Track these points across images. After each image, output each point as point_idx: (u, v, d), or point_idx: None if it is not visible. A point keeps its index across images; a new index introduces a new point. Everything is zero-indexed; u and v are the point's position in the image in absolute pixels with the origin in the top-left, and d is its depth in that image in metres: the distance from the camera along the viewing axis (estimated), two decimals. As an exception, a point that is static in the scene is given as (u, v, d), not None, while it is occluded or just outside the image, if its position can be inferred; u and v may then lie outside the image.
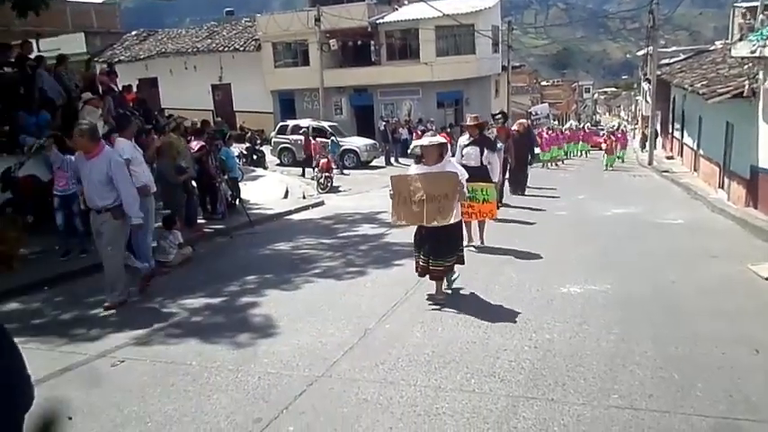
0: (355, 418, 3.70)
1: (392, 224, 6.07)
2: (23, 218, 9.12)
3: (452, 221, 5.63)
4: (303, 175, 19.07)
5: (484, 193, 8.00)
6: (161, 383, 4.29)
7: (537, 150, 20.85)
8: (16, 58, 11.68)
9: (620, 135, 27.06)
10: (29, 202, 9.48)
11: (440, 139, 5.90)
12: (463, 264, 6.12)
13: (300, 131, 21.71)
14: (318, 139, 20.49)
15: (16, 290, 6.83)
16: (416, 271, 5.99)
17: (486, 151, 8.27)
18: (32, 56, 12.26)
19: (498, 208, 10.38)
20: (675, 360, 4.44)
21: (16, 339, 5.35)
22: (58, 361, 4.79)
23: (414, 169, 5.94)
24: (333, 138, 21.04)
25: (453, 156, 7.94)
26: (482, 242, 8.39)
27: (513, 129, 13.68)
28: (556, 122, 34.35)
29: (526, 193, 13.93)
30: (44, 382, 4.41)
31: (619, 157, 25.17)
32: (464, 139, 8.67)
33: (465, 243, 7.57)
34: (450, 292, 6.16)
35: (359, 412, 3.77)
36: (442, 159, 5.75)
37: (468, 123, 8.69)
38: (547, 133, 24.31)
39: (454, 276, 6.24)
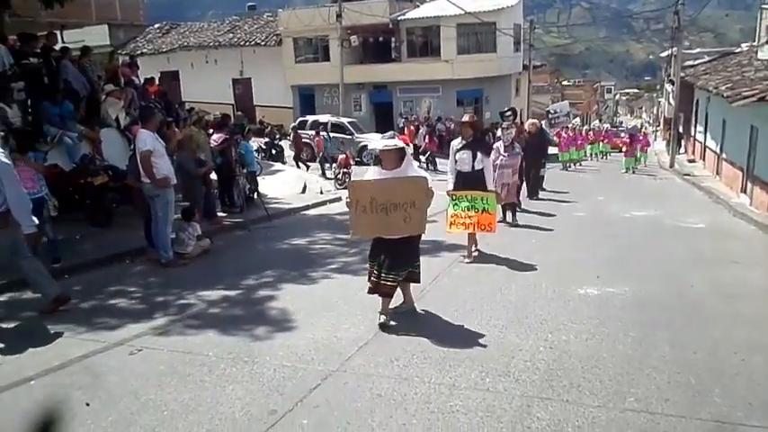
0: (369, 412, 3.72)
1: (349, 238, 5.37)
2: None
3: (422, 232, 5.13)
4: (323, 174, 18.88)
5: (484, 202, 7.26)
6: (178, 373, 4.34)
7: (554, 150, 20.66)
8: (41, 49, 11.85)
9: (641, 137, 25.82)
10: (52, 192, 9.61)
11: (397, 142, 5.11)
12: (418, 282, 5.46)
13: (308, 127, 21.73)
14: (323, 134, 20.49)
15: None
16: (368, 283, 5.29)
17: (479, 155, 7.46)
18: (57, 47, 12.42)
19: (515, 213, 10.18)
20: (693, 365, 4.39)
21: (36, 327, 5.46)
22: (77, 348, 4.87)
23: (373, 173, 5.21)
24: (326, 134, 20.68)
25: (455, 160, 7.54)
26: (477, 249, 7.80)
27: (524, 129, 13.23)
28: (577, 121, 33.43)
29: (541, 196, 13.53)
30: (64, 368, 4.50)
31: (638, 160, 24.11)
32: (456, 142, 7.71)
33: (464, 258, 7.54)
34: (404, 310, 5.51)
35: (372, 407, 3.78)
36: (401, 164, 5.04)
37: (461, 121, 7.76)
38: (566, 133, 23.59)
39: (400, 304, 5.49)
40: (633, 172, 22.32)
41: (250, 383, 4.15)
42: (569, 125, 25.06)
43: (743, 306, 5.87)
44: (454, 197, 7.38)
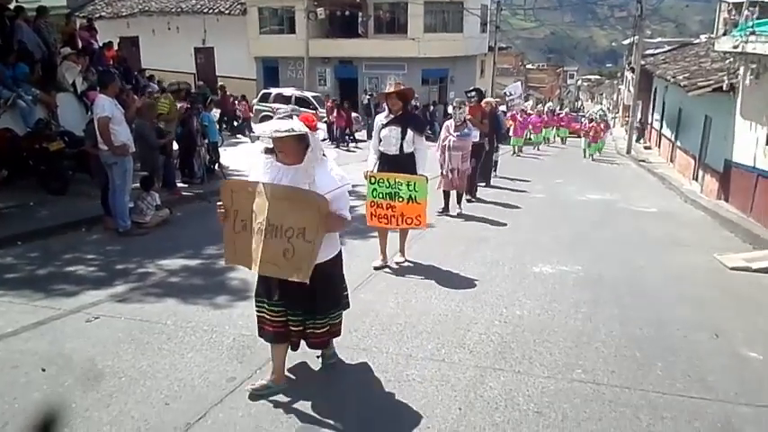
0: (327, 380, 3.80)
1: (225, 262, 3.62)
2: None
3: (302, 280, 3.21)
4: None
5: (411, 188, 5.79)
6: (135, 340, 4.33)
7: (511, 134, 20.08)
8: (-6, 9, 11.36)
9: (602, 125, 24.49)
10: (3, 157, 9.32)
11: (295, 125, 3.20)
12: (348, 308, 3.88)
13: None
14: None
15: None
16: (262, 334, 3.64)
17: (409, 133, 5.96)
18: (11, 6, 11.93)
19: (470, 201, 9.82)
20: (639, 340, 4.61)
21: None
22: (31, 315, 4.79)
23: (264, 167, 3.42)
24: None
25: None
26: (403, 256, 6.38)
27: (487, 112, 11.32)
28: (530, 103, 32.51)
29: (494, 182, 12.62)
30: (17, 335, 4.43)
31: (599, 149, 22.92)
32: (382, 116, 6.21)
33: (378, 263, 6.17)
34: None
35: (330, 376, 3.85)
36: (302, 158, 3.28)
37: (386, 92, 6.03)
38: (521, 116, 21.72)
39: (330, 354, 3.96)
40: (592, 159, 21.81)
41: (209, 351, 4.17)
42: (523, 107, 23.61)
43: (688, 287, 6.15)
44: (372, 179, 5.97)
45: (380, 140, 6.11)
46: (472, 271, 6.26)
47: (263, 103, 23.22)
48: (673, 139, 19.14)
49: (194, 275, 5.98)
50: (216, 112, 15.02)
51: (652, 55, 27.95)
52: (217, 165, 11.76)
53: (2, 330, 4.49)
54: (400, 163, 5.99)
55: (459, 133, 8.67)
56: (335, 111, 21.56)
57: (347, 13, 29.52)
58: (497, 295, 5.50)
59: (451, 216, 8.95)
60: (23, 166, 9.32)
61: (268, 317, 3.53)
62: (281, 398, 3.55)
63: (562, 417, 3.46)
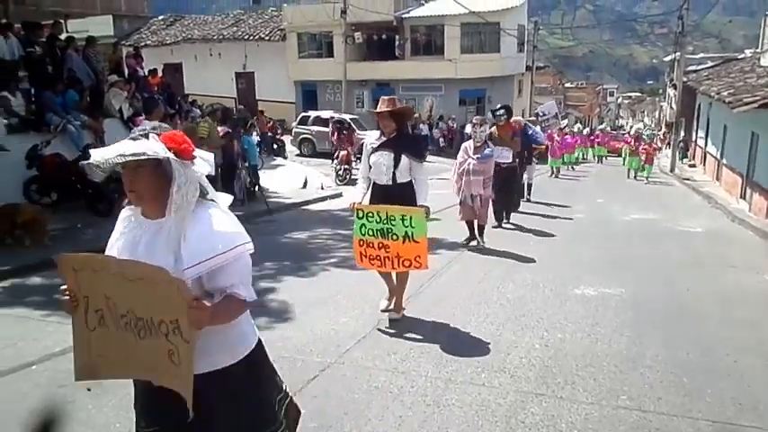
0: (366, 404, 3.78)
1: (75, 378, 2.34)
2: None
3: (184, 392, 2.00)
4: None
5: (406, 223, 4.81)
6: (178, 361, 4.38)
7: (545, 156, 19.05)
8: (47, 38, 11.89)
9: (647, 146, 22.06)
10: (53, 181, 9.68)
11: (152, 147, 2.01)
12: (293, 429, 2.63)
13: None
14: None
15: (39, 265, 6.99)
16: None
17: (404, 160, 4.99)
18: (62, 36, 12.47)
19: (483, 232, 8.32)
20: (686, 365, 4.46)
21: (39, 312, 5.53)
22: (78, 335, 4.91)
23: (119, 229, 2.26)
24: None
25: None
26: (399, 309, 5.31)
27: (518, 130, 10.35)
28: (566, 121, 30.36)
29: (525, 208, 11.59)
30: (65, 354, 4.53)
31: (642, 169, 20.69)
32: (373, 137, 5.25)
33: (385, 304, 5.27)
34: None
35: (370, 399, 3.84)
36: (163, 206, 2.08)
37: (377, 110, 5.09)
38: (558, 135, 20.52)
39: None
40: (635, 177, 20.69)
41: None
42: (561, 127, 21.98)
43: (737, 310, 5.94)
44: (360, 213, 4.99)
45: (370, 166, 5.17)
46: (511, 293, 6.18)
47: (302, 126, 23.57)
48: (718, 156, 18.65)
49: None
50: (256, 136, 15.28)
51: (695, 71, 27.42)
52: (257, 187, 11.97)
53: (50, 350, 4.62)
54: (392, 195, 5.01)
55: (479, 155, 7.82)
56: (336, 134, 19.01)
57: (384, 36, 29.89)
58: (538, 318, 5.41)
59: (474, 247, 8.12)
60: (72, 190, 9.65)
61: None
62: (317, 417, 3.54)
63: (607, 445, 3.37)
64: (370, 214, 4.94)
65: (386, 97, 5.13)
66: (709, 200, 15.31)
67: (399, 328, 5.07)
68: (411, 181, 5.08)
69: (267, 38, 31.75)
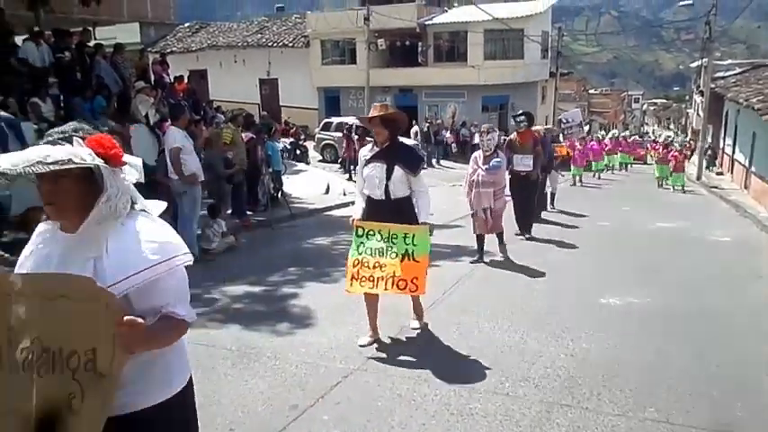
0: (389, 411, 3.76)
1: None
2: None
3: None
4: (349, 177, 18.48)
5: (408, 241, 4.51)
6: (202, 365, 4.41)
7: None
8: (76, 45, 12.13)
9: (676, 153, 20.77)
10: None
11: (78, 153, 1.73)
12: None
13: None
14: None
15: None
16: None
17: (397, 171, 4.56)
18: (91, 44, 12.70)
19: (503, 241, 7.87)
20: (716, 378, 4.36)
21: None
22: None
23: (31, 246, 1.96)
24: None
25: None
26: (420, 319, 5.18)
27: (539, 138, 9.72)
28: (587, 128, 28.96)
29: (547, 216, 11.50)
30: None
31: (670, 177, 19.85)
32: (366, 149, 4.90)
33: (365, 340, 4.82)
34: None
35: (393, 406, 3.82)
36: (83, 216, 1.78)
37: (369, 116, 4.69)
38: (580, 144, 19.98)
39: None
40: (661, 185, 20.11)
41: (272, 378, 4.22)
42: (583, 135, 21.16)
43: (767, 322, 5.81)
44: (360, 230, 4.68)
45: (364, 180, 4.78)
46: (535, 301, 6.12)
47: (325, 132, 23.69)
48: (747, 164, 18.32)
49: (258, 302, 6.08)
50: (280, 142, 15.40)
51: (722, 77, 26.99)
52: (280, 193, 12.04)
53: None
54: (387, 212, 4.59)
55: (488, 166, 7.34)
56: (346, 141, 19.18)
57: (407, 43, 29.95)
58: (563, 327, 5.34)
59: (486, 263, 7.62)
60: (99, 195, 9.79)
61: None
62: (339, 424, 3.53)
63: (634, 458, 3.30)
64: (371, 232, 4.61)
65: (377, 103, 4.81)
66: (737, 208, 15.02)
67: (423, 336, 5.05)
68: (409, 196, 4.68)
69: (291, 44, 32.03)
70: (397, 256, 4.48)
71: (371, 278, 4.50)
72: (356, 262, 4.59)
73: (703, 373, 4.45)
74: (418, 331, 5.10)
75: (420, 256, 4.50)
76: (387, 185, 4.57)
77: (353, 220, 4.77)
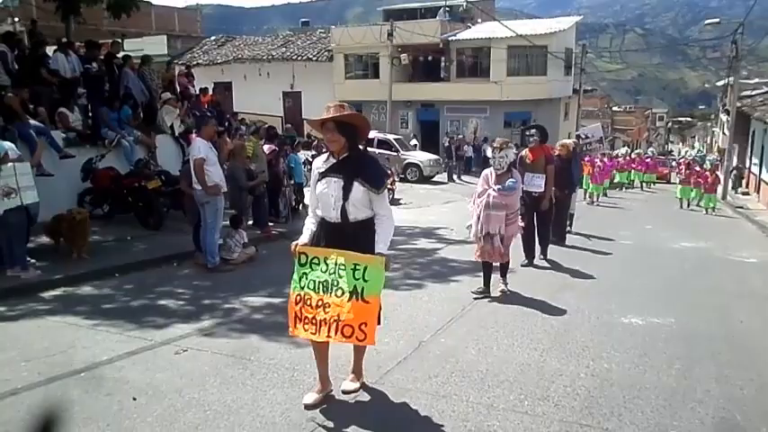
0: (406, 427, 3.74)
1: None
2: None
3: None
4: None
5: (357, 275, 3.62)
6: (221, 374, 4.44)
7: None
8: (105, 56, 12.39)
9: (706, 174, 19.44)
10: (106, 193, 10.01)
11: None
12: None
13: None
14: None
15: (89, 275, 7.25)
16: None
17: (356, 188, 3.70)
18: (119, 55, 12.97)
19: (529, 264, 7.89)
20: (740, 402, 4.27)
21: (89, 321, 5.69)
22: (125, 344, 5.04)
23: None
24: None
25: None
26: (358, 379, 4.20)
27: (553, 154, 9.08)
28: (605, 145, 27.42)
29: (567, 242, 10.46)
30: (111, 363, 4.66)
31: (703, 197, 18.88)
32: (320, 161, 3.99)
33: (311, 399, 3.88)
34: None
35: (410, 422, 3.80)
36: None
37: (321, 118, 3.89)
38: (600, 161, 19.50)
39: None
40: (684, 206, 19.23)
41: (290, 389, 4.22)
42: (604, 152, 20.43)
43: (795, 345, 5.68)
44: (303, 257, 3.79)
45: (317, 199, 3.89)
46: (555, 319, 6.05)
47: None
48: (774, 185, 18.02)
49: (277, 313, 6.09)
50: (302, 154, 15.49)
51: (749, 96, 26.65)
52: (301, 205, 12.12)
53: (98, 358, 4.74)
54: (341, 238, 3.73)
55: (500, 186, 6.50)
56: None
57: (430, 58, 30.14)
58: (583, 346, 5.27)
59: (493, 296, 6.76)
60: (123, 203, 9.96)
61: None
62: (360, 441, 3.52)
63: (655, 481, 3.24)
64: (315, 261, 3.72)
65: (331, 103, 3.96)
66: (763, 229, 14.77)
67: (441, 352, 5.03)
68: (371, 218, 3.79)
69: (315, 58, 32.36)
70: (343, 293, 3.61)
71: (314, 321, 3.65)
72: (298, 298, 3.73)
73: (727, 395, 4.36)
74: (354, 395, 4.07)
75: (370, 296, 3.60)
76: (344, 206, 3.70)
77: (296, 245, 3.85)
